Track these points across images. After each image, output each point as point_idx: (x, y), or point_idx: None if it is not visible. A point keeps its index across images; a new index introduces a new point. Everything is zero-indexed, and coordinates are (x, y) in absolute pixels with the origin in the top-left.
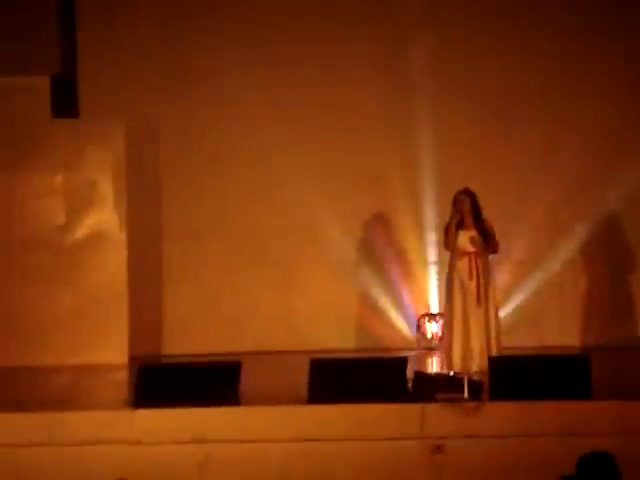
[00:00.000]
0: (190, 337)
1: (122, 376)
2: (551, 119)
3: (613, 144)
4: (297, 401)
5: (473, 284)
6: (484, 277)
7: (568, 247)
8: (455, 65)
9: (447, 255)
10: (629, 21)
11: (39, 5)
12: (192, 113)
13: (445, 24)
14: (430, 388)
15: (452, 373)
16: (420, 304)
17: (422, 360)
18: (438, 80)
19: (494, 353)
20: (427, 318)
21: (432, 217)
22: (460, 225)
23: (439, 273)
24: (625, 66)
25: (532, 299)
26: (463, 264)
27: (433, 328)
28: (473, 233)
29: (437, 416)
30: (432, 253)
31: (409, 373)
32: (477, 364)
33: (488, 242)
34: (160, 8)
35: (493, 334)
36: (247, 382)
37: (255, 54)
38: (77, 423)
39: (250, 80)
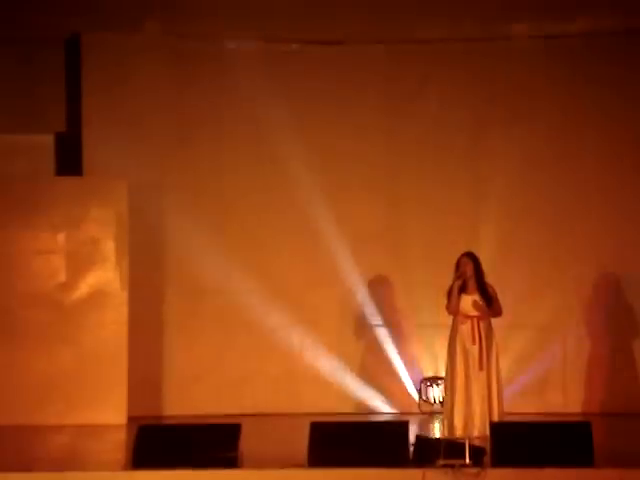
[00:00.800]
0: (190, 398)
1: (121, 436)
2: (558, 184)
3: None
4: (297, 464)
5: (476, 348)
6: (487, 341)
7: (570, 312)
8: (453, 132)
9: (450, 318)
10: None
11: (44, 64)
12: (195, 172)
13: (444, 93)
14: (431, 453)
15: (454, 438)
16: (422, 368)
17: (424, 424)
18: (437, 147)
19: (496, 418)
20: (429, 382)
21: (435, 279)
22: (463, 289)
23: (442, 337)
24: None
25: (535, 365)
26: (466, 328)
27: (435, 392)
28: (476, 297)
29: None
30: (435, 316)
31: (410, 437)
32: (479, 429)
33: (491, 306)
34: (162, 67)
35: (495, 399)
36: (246, 444)
37: (255, 112)
38: None
39: (251, 137)
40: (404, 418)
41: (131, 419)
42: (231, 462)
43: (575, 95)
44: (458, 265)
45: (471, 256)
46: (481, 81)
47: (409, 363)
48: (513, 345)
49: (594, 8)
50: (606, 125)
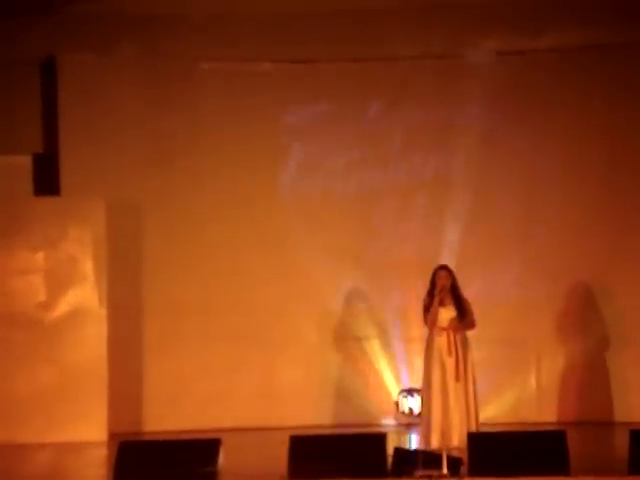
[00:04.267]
0: (170, 414)
1: (102, 453)
2: (528, 194)
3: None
4: (277, 478)
5: (452, 360)
6: (463, 353)
7: (544, 323)
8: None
9: (426, 331)
10: None
11: (20, 86)
12: (172, 191)
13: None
14: (409, 464)
15: (431, 449)
16: (399, 380)
17: (401, 436)
18: (411, 161)
19: (473, 429)
20: (406, 394)
21: (410, 293)
22: (440, 302)
23: (418, 349)
24: None
25: (509, 375)
26: (442, 340)
27: (412, 404)
28: (451, 309)
29: None
30: (410, 329)
31: (388, 449)
32: (456, 440)
33: (465, 318)
34: (138, 88)
35: (472, 410)
36: (227, 459)
37: (229, 130)
38: None
39: (229, 157)
40: (382, 430)
41: (112, 436)
42: (211, 477)
43: (550, 102)
44: (435, 279)
45: (448, 269)
46: (453, 94)
47: (386, 375)
48: (488, 357)
49: (561, 24)
50: (584, 133)
